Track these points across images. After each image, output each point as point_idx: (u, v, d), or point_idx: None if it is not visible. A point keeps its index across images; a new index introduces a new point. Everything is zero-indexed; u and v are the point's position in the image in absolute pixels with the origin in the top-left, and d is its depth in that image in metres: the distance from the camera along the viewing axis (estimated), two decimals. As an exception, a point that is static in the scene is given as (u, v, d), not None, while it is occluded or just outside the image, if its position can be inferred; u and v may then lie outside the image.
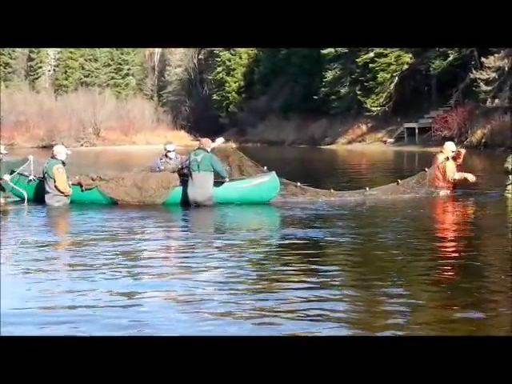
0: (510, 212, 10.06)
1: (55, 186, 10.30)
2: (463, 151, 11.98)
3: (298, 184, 11.04)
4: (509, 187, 10.83)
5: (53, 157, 10.64)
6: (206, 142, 10.43)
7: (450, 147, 11.80)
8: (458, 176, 11.45)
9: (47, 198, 10.36)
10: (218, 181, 10.19)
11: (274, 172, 10.49)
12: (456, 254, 6.35)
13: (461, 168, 11.72)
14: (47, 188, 10.37)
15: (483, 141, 33.98)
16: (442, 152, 11.74)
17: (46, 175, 10.43)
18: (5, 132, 54.02)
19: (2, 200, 10.49)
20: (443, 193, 11.33)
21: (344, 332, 3.88)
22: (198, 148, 10.18)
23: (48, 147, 11.49)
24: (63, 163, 10.53)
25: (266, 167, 10.80)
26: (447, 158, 11.49)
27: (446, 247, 6.78)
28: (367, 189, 11.09)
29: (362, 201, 10.59)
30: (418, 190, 11.19)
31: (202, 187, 9.84)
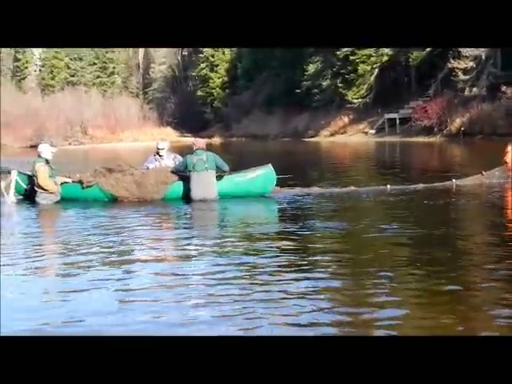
0: None
1: (37, 184, 10.21)
2: None
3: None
4: None
5: (39, 155, 10.53)
6: (202, 143, 10.37)
7: None
8: None
9: (36, 196, 10.29)
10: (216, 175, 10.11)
11: (270, 165, 10.30)
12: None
13: None
14: (34, 187, 10.31)
15: (462, 129, 34.05)
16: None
17: (32, 174, 10.39)
18: (-7, 132, 53.98)
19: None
20: None
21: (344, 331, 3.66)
22: (197, 149, 10.03)
23: (36, 146, 11.34)
24: (47, 161, 10.41)
25: None
26: None
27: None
28: (454, 180, 11.01)
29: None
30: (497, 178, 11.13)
31: (210, 185, 9.82)
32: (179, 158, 10.90)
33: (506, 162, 11.25)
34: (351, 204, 9.44)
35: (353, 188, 10.91)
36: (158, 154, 10.95)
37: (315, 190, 10.90)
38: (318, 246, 6.29)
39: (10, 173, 10.74)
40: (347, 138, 43.78)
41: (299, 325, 3.78)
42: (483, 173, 11.19)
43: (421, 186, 10.86)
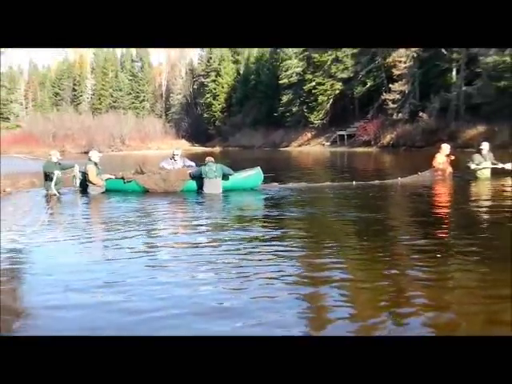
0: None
1: (88, 179, 10.12)
2: (452, 157, 11.19)
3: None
4: (483, 171, 10.50)
5: (89, 159, 10.42)
6: (211, 158, 10.14)
7: (446, 147, 11.10)
8: (441, 166, 10.87)
9: (87, 188, 10.17)
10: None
11: (259, 167, 10.15)
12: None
13: (450, 164, 11.03)
14: (86, 181, 10.21)
15: (391, 143, 34.09)
16: (439, 152, 11.08)
17: (84, 172, 10.31)
18: (58, 142, 54.05)
19: (54, 191, 9.88)
20: (439, 178, 10.74)
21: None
22: (209, 162, 9.87)
23: (88, 153, 11.09)
24: (95, 163, 10.28)
25: None
26: (447, 155, 10.95)
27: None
28: (399, 178, 10.50)
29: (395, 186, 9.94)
30: (429, 177, 10.68)
31: (217, 187, 9.71)
32: (188, 161, 10.88)
33: (434, 166, 11.00)
34: (319, 195, 9.09)
35: (328, 183, 10.51)
36: (173, 158, 10.90)
37: (293, 184, 10.53)
38: (292, 226, 5.97)
39: (73, 167, 10.55)
40: (310, 148, 43.51)
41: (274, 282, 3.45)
42: (419, 173, 10.83)
43: (377, 182, 10.47)
